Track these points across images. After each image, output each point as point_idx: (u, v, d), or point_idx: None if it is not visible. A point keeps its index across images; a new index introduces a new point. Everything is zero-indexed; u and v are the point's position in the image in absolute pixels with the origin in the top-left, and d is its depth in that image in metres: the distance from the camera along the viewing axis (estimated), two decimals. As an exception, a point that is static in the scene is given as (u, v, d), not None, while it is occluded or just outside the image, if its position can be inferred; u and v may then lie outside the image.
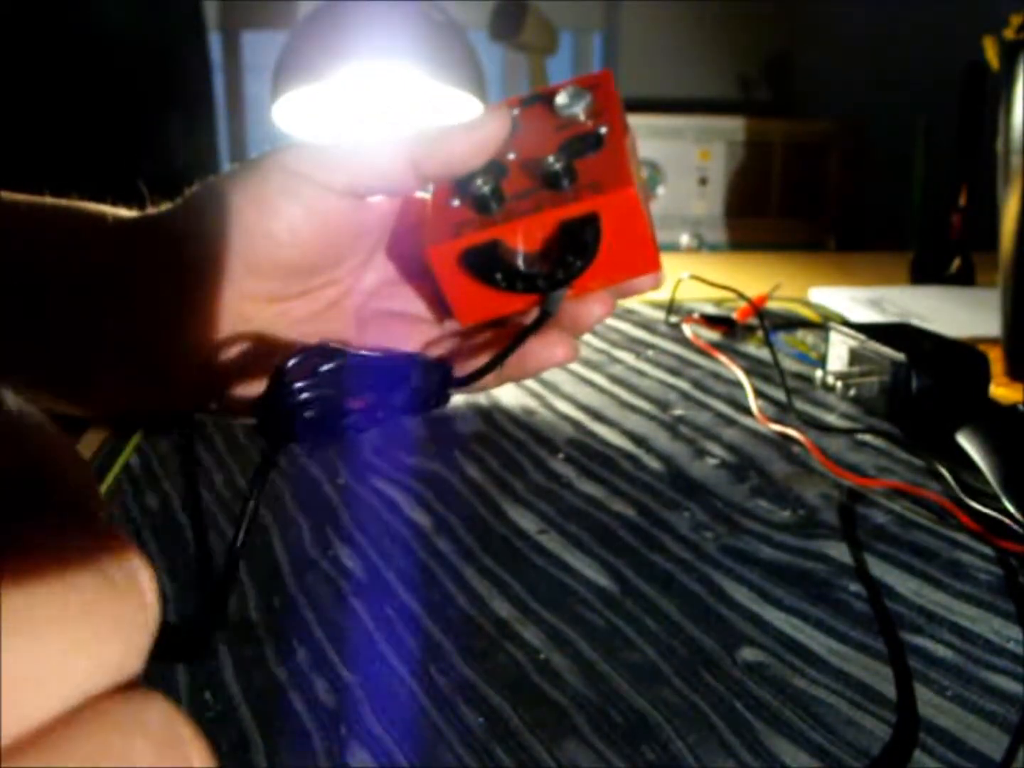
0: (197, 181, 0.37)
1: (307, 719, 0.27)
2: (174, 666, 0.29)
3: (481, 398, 0.52)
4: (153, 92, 1.04)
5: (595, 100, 0.35)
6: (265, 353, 0.37)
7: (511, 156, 0.34)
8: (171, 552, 0.36)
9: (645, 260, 0.33)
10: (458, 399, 0.51)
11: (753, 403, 0.50)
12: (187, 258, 0.36)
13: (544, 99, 0.36)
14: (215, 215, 0.35)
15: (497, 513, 0.39)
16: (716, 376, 0.56)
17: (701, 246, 1.34)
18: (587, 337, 0.64)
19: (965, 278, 0.87)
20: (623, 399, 0.53)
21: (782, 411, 0.50)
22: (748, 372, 0.55)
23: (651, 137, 1.32)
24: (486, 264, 0.32)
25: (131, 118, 1.00)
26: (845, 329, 0.53)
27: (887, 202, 1.25)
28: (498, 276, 0.32)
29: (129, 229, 0.37)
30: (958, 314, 0.73)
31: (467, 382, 0.31)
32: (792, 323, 0.67)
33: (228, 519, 0.38)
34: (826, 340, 0.54)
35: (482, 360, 0.33)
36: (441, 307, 0.38)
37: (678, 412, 0.51)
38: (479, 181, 0.32)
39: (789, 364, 0.58)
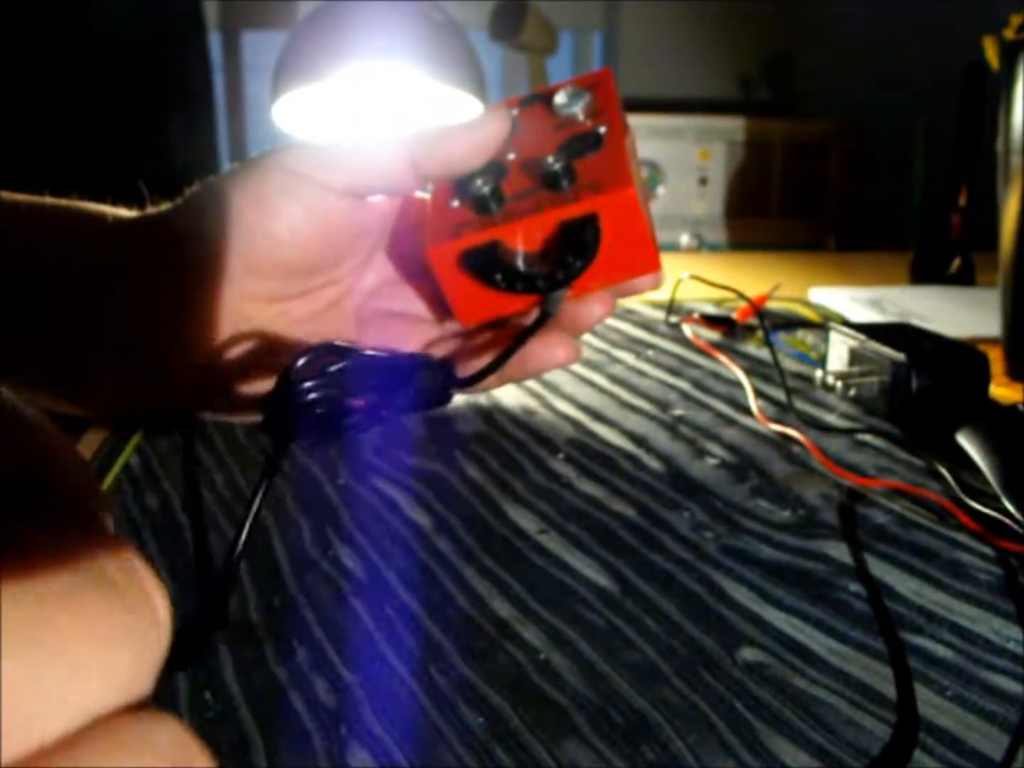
0: (197, 181, 0.37)
1: (307, 719, 0.27)
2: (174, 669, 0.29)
3: (481, 398, 0.52)
4: (153, 92, 1.04)
5: (594, 99, 0.35)
6: (265, 353, 0.37)
7: (511, 156, 0.34)
8: (171, 552, 0.36)
9: (645, 260, 0.33)
10: (458, 399, 0.51)
11: (753, 403, 0.50)
12: (187, 258, 0.36)
13: (543, 99, 0.36)
14: (215, 215, 0.35)
15: (497, 513, 0.39)
16: (716, 376, 0.56)
17: (701, 246, 1.34)
18: (587, 337, 0.64)
19: (965, 278, 0.87)
20: (623, 399, 0.53)
21: (782, 411, 0.50)
22: (748, 372, 0.55)
23: (651, 137, 1.32)
24: (486, 265, 0.32)
25: (131, 118, 1.00)
26: (845, 329, 0.53)
27: (887, 202, 1.25)
28: (498, 277, 0.32)
29: (129, 229, 0.37)
30: (958, 314, 0.73)
31: (470, 383, 0.31)
32: (792, 323, 0.67)
33: (228, 519, 0.38)
34: (826, 340, 0.54)
35: (483, 360, 0.33)
36: (441, 307, 0.38)
37: (678, 412, 0.51)
38: (479, 182, 0.32)
39: (789, 364, 0.58)
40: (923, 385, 0.47)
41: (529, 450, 0.45)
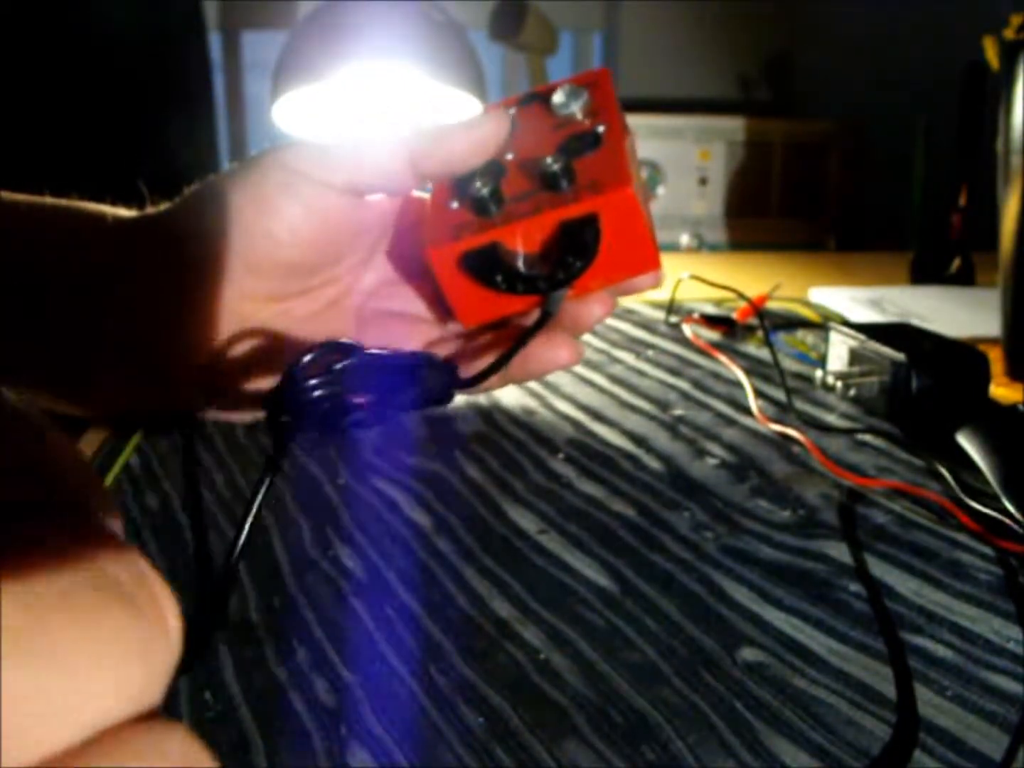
0: (197, 181, 0.37)
1: (307, 719, 0.27)
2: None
3: (481, 398, 0.52)
4: (153, 92, 1.04)
5: (592, 99, 0.35)
6: (266, 352, 0.37)
7: (509, 156, 0.34)
8: (171, 552, 0.36)
9: (645, 259, 0.33)
10: (458, 399, 0.51)
11: (753, 403, 0.50)
12: (187, 258, 0.36)
13: (541, 98, 0.36)
14: (214, 214, 0.35)
15: (497, 513, 0.39)
16: (716, 376, 0.56)
17: (701, 246, 1.34)
18: (587, 337, 0.64)
19: (965, 278, 0.87)
20: (623, 399, 0.53)
21: (782, 411, 0.50)
22: (748, 372, 0.55)
23: (651, 137, 1.32)
24: (486, 266, 0.32)
25: (131, 118, 1.00)
26: (845, 329, 0.53)
27: (887, 202, 1.25)
28: (498, 278, 0.32)
29: (129, 229, 0.37)
30: (958, 314, 0.73)
31: (473, 383, 0.31)
32: (792, 323, 0.67)
33: (228, 519, 0.38)
34: (826, 340, 0.54)
35: (484, 360, 0.33)
36: (442, 308, 0.38)
37: (678, 412, 0.51)
38: (478, 183, 0.32)
39: (789, 364, 0.58)
40: (923, 385, 0.47)
41: (529, 450, 0.45)
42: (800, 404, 0.51)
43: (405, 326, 0.38)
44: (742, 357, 0.59)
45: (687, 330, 0.65)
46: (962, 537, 0.37)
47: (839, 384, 0.51)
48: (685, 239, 1.33)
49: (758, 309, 0.63)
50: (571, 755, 0.26)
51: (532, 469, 0.43)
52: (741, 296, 0.64)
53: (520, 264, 0.32)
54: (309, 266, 0.36)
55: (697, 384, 0.55)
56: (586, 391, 0.54)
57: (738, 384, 0.54)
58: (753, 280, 0.77)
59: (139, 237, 0.37)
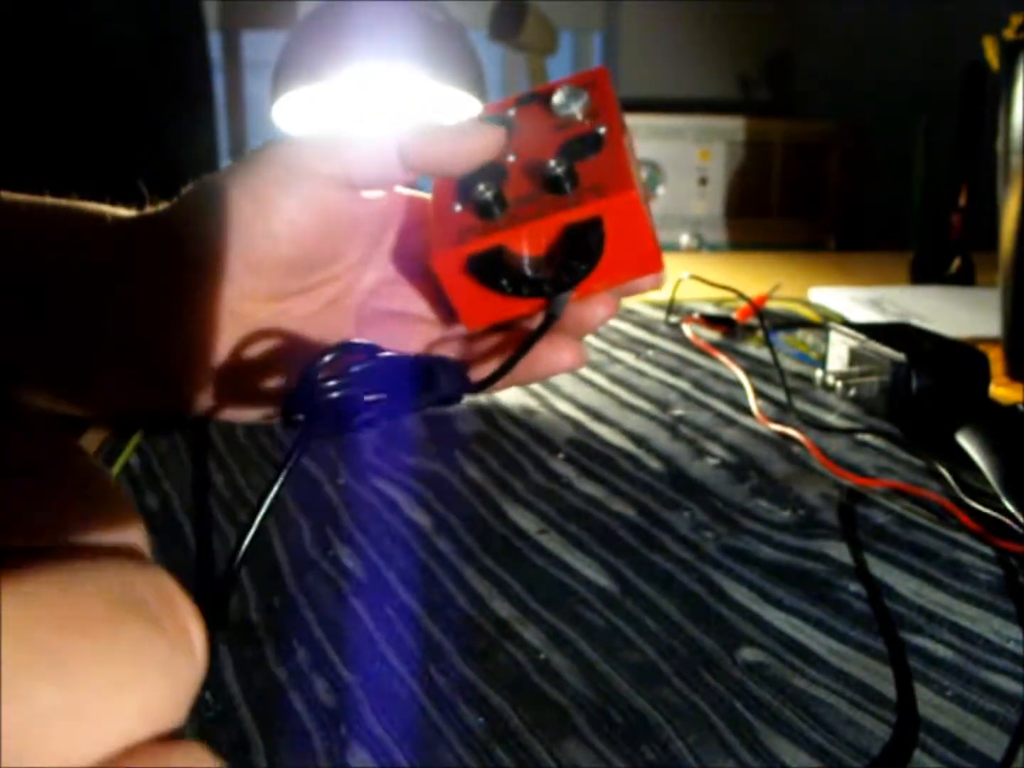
0: (195, 180, 0.37)
1: (307, 719, 0.27)
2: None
3: (481, 398, 0.52)
4: (153, 92, 1.04)
5: (592, 99, 0.35)
6: (269, 353, 0.37)
7: (511, 158, 0.34)
8: (171, 552, 0.36)
9: (648, 260, 0.33)
10: (458, 399, 0.51)
11: (753, 403, 0.50)
12: (187, 257, 0.36)
13: (541, 98, 0.36)
14: (212, 213, 0.35)
15: (497, 513, 0.39)
16: (716, 376, 0.56)
17: (701, 246, 1.34)
18: (587, 337, 0.64)
19: (965, 278, 0.87)
20: (623, 399, 0.53)
21: (782, 411, 0.50)
22: (748, 372, 0.55)
23: (651, 137, 1.32)
24: (491, 270, 0.32)
25: (131, 118, 1.00)
26: (845, 329, 0.53)
27: (887, 202, 1.25)
28: (503, 282, 0.32)
29: (129, 229, 0.37)
30: (958, 314, 0.73)
31: (482, 387, 0.31)
32: (792, 323, 0.67)
33: (228, 520, 0.38)
34: (826, 340, 0.54)
35: (486, 361, 0.33)
36: (445, 310, 0.38)
37: (678, 412, 0.51)
38: (481, 187, 0.32)
39: (789, 364, 0.58)
40: (923, 385, 0.47)
41: (529, 450, 0.45)
42: (800, 404, 0.51)
43: (405, 326, 0.38)
44: (742, 357, 0.59)
45: (687, 330, 0.65)
46: (962, 537, 0.37)
47: (839, 384, 0.51)
48: (685, 239, 1.33)
49: (758, 309, 0.63)
50: (571, 755, 0.26)
51: (532, 469, 0.43)
52: (741, 296, 0.64)
53: (525, 267, 0.32)
54: (308, 263, 0.36)
55: (697, 384, 0.55)
56: (586, 391, 0.54)
57: (738, 384, 0.54)
58: (753, 280, 0.77)
59: (139, 237, 0.37)
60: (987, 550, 0.36)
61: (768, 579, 0.34)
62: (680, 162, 1.34)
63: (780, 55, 1.76)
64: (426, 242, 0.34)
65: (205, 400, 0.38)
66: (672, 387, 0.54)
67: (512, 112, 0.37)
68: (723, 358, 0.58)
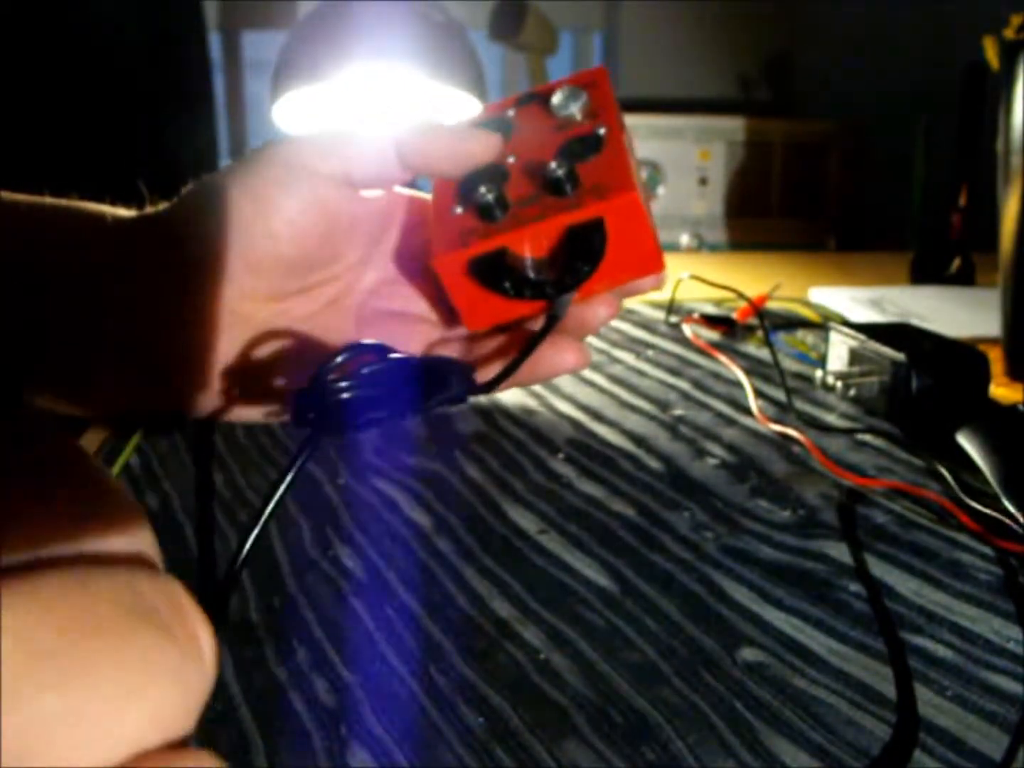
0: (195, 180, 0.37)
1: (307, 719, 0.27)
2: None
3: (481, 398, 0.52)
4: (153, 92, 1.04)
5: (591, 99, 0.35)
6: (267, 353, 0.37)
7: (511, 160, 0.34)
8: (171, 552, 0.36)
9: (649, 261, 0.33)
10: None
11: (753, 403, 0.50)
12: (187, 257, 0.36)
13: (540, 99, 0.36)
14: (212, 212, 0.35)
15: (497, 513, 0.39)
16: (716, 376, 0.56)
17: (701, 246, 1.34)
18: (588, 338, 0.64)
19: (965, 278, 0.87)
20: (623, 399, 0.53)
21: (782, 411, 0.50)
22: (748, 372, 0.55)
23: (651, 137, 1.32)
24: (494, 273, 0.32)
25: (131, 118, 1.00)
26: (845, 329, 0.53)
27: (887, 202, 1.25)
28: (506, 284, 0.32)
29: (128, 229, 0.37)
30: (958, 314, 0.73)
31: (488, 389, 0.31)
32: (792, 323, 0.67)
33: (228, 520, 0.38)
34: (826, 340, 0.54)
35: (487, 362, 0.34)
36: (446, 311, 0.38)
37: (678, 412, 0.50)
38: (482, 189, 0.32)
39: (789, 364, 0.58)
40: (923, 385, 0.47)
41: (529, 450, 0.45)
42: (800, 404, 0.51)
43: (406, 326, 0.38)
44: (742, 357, 0.59)
45: (687, 330, 0.65)
46: (962, 537, 0.37)
47: (839, 384, 0.51)
48: (685, 239, 1.33)
49: (758, 309, 0.63)
50: (571, 755, 0.26)
51: (532, 469, 0.43)
52: (741, 296, 0.64)
53: (527, 269, 0.32)
54: (308, 263, 0.36)
55: (697, 384, 0.55)
56: (586, 391, 0.54)
57: (738, 384, 0.54)
58: (753, 280, 0.77)
59: (139, 237, 0.37)
60: (987, 550, 0.36)
61: (768, 579, 0.34)
62: (680, 162, 1.34)
63: (780, 55, 1.76)
64: (427, 243, 0.34)
65: (205, 400, 0.38)
66: (672, 387, 0.54)
67: (511, 112, 0.37)
68: (723, 358, 0.58)
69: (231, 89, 1.65)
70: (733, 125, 1.35)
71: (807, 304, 0.75)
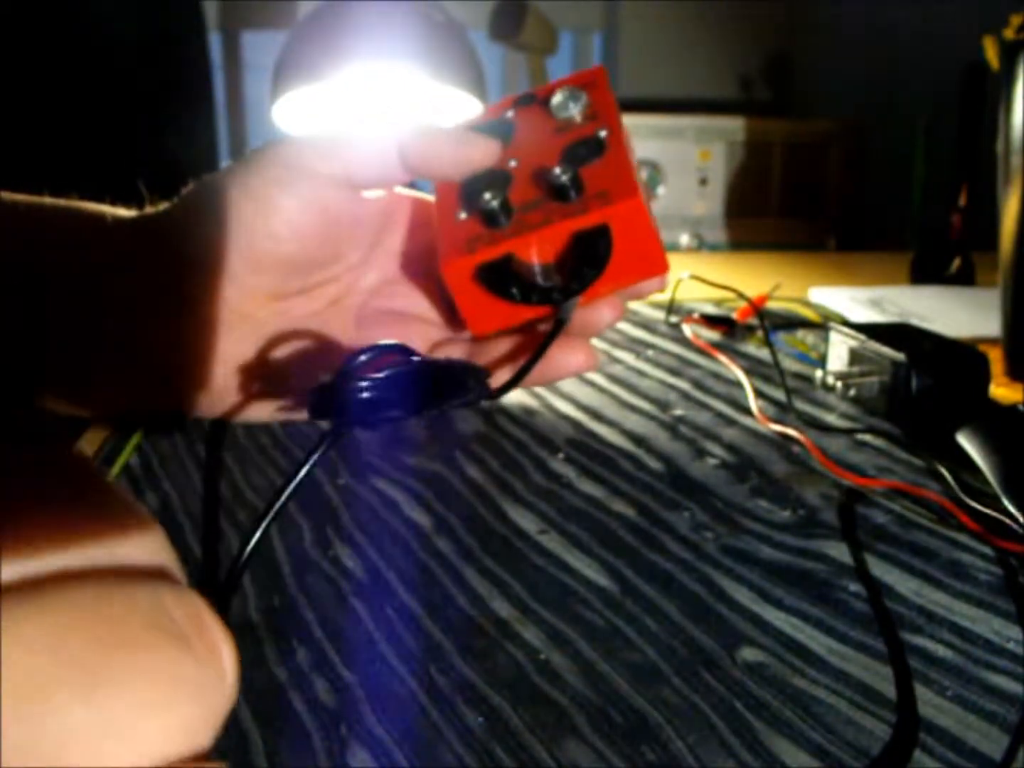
0: (195, 180, 0.37)
1: (307, 719, 0.27)
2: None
3: (481, 398, 0.52)
4: (153, 92, 1.04)
5: (591, 100, 0.35)
6: (267, 353, 0.37)
7: (512, 163, 0.34)
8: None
9: (653, 263, 0.33)
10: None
11: (753, 403, 0.50)
12: (187, 257, 0.36)
13: (539, 100, 0.36)
14: (213, 212, 0.35)
15: (497, 513, 0.39)
16: (716, 376, 0.56)
17: (701, 246, 1.34)
18: (587, 337, 0.64)
19: (965, 278, 0.87)
20: (623, 399, 0.53)
21: (782, 411, 0.50)
22: (748, 372, 0.55)
23: (651, 137, 1.32)
24: (501, 279, 0.32)
25: (131, 118, 1.00)
26: (845, 329, 0.53)
27: (887, 202, 1.25)
28: (513, 291, 0.32)
29: (128, 229, 0.37)
30: (958, 314, 0.73)
31: (500, 394, 0.31)
32: (792, 323, 0.67)
33: (228, 519, 0.38)
34: (826, 340, 0.54)
35: (490, 363, 0.34)
36: (448, 312, 0.38)
37: (678, 412, 0.51)
38: (487, 195, 0.32)
39: (789, 364, 0.58)
40: (923, 385, 0.47)
41: (529, 450, 0.45)
42: (800, 404, 0.51)
43: (407, 326, 0.38)
44: (742, 357, 0.59)
45: (687, 330, 0.65)
46: (962, 537, 0.37)
47: (839, 384, 0.51)
48: (685, 239, 1.33)
49: (758, 309, 0.63)
50: (571, 755, 0.26)
51: (532, 469, 0.43)
52: (741, 296, 0.64)
53: (534, 275, 0.32)
54: (308, 262, 0.36)
55: (697, 384, 0.55)
56: (586, 391, 0.54)
57: (738, 384, 0.54)
58: (753, 280, 0.77)
59: (139, 237, 0.37)
60: (987, 550, 0.36)
61: (768, 579, 0.34)
62: (680, 162, 1.34)
63: (780, 55, 1.76)
64: (430, 246, 0.34)
65: (205, 400, 0.38)
66: (672, 387, 0.54)
67: (511, 114, 0.37)
68: (723, 358, 0.58)
69: (231, 89, 1.65)
70: (733, 125, 1.35)
71: (807, 304, 0.75)
